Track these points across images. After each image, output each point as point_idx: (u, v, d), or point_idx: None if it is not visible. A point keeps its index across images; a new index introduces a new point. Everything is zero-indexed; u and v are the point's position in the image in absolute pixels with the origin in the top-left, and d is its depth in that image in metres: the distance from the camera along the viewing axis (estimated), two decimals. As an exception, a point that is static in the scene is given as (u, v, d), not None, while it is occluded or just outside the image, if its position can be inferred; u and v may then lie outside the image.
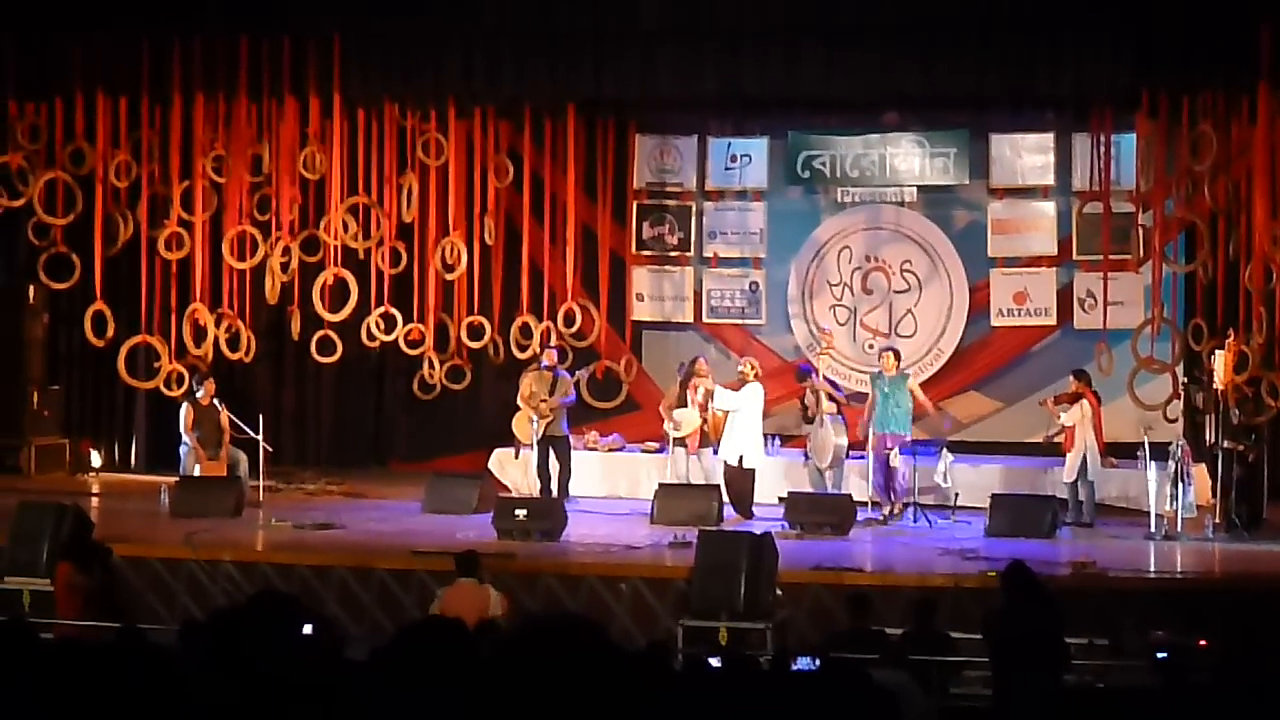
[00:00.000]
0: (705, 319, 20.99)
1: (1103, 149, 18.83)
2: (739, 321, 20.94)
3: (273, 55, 18.50)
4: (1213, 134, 17.43)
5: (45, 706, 6.29)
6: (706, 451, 17.87)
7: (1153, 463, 16.39)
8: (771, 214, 20.84)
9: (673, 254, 21.03)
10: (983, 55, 17.51)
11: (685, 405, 17.92)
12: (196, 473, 17.96)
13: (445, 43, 18.36)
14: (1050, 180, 19.91)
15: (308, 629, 7.37)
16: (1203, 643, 11.89)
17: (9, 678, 6.45)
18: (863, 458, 17.51)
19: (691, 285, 20.99)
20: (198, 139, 19.08)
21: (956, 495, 17.32)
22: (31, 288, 20.41)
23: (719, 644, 12.73)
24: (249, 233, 19.10)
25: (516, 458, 18.59)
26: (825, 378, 17.82)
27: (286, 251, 19.16)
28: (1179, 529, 16.14)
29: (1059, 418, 17.31)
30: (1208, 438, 16.99)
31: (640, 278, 21.05)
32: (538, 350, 19.16)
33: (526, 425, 18.03)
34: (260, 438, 17.71)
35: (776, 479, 18.08)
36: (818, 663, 10.39)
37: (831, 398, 17.63)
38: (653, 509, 17.06)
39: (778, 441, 19.07)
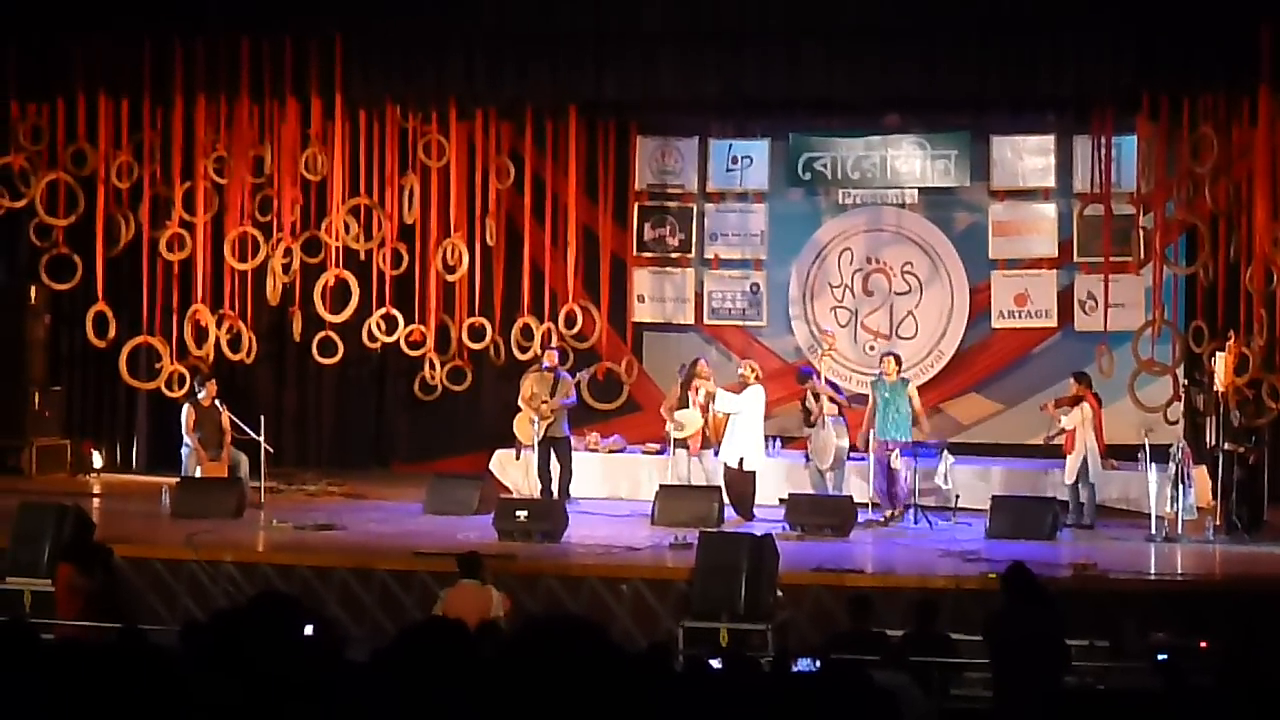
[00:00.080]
0: (706, 320, 20.98)
1: (1103, 151, 18.81)
2: (740, 323, 20.93)
3: (274, 56, 18.52)
4: (1213, 136, 17.43)
5: (46, 707, 6.29)
6: (708, 453, 17.85)
7: (1153, 465, 16.39)
8: (772, 216, 20.83)
9: (674, 255, 21.02)
10: (984, 57, 17.51)
11: (686, 406, 17.90)
12: (197, 474, 17.95)
13: (447, 44, 18.36)
14: (1051, 182, 19.90)
15: (309, 630, 7.36)
16: (1203, 644, 11.91)
17: (10, 678, 6.45)
18: (863, 459, 17.51)
19: (692, 287, 20.99)
20: (199, 140, 19.08)
21: (957, 497, 17.30)
22: (33, 288, 20.39)
23: (720, 645, 12.74)
24: (250, 234, 19.10)
25: (518, 459, 18.58)
26: (827, 380, 17.82)
27: (288, 253, 19.16)
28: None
29: (1060, 421, 17.30)
30: (1208, 440, 17.00)
31: (641, 279, 21.05)
32: (539, 351, 19.13)
33: (528, 426, 18.02)
34: (261, 439, 17.69)
35: (777, 480, 18.08)
36: (818, 664, 10.38)
37: (833, 400, 17.64)
38: (653, 510, 17.05)
39: (779, 443, 19.08)
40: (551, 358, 18.49)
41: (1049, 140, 19.87)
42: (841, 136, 20.33)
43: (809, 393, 17.67)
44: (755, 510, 17.39)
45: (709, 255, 20.92)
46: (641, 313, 21.04)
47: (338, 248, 19.18)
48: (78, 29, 18.56)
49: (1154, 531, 16.11)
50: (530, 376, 18.41)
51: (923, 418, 17.72)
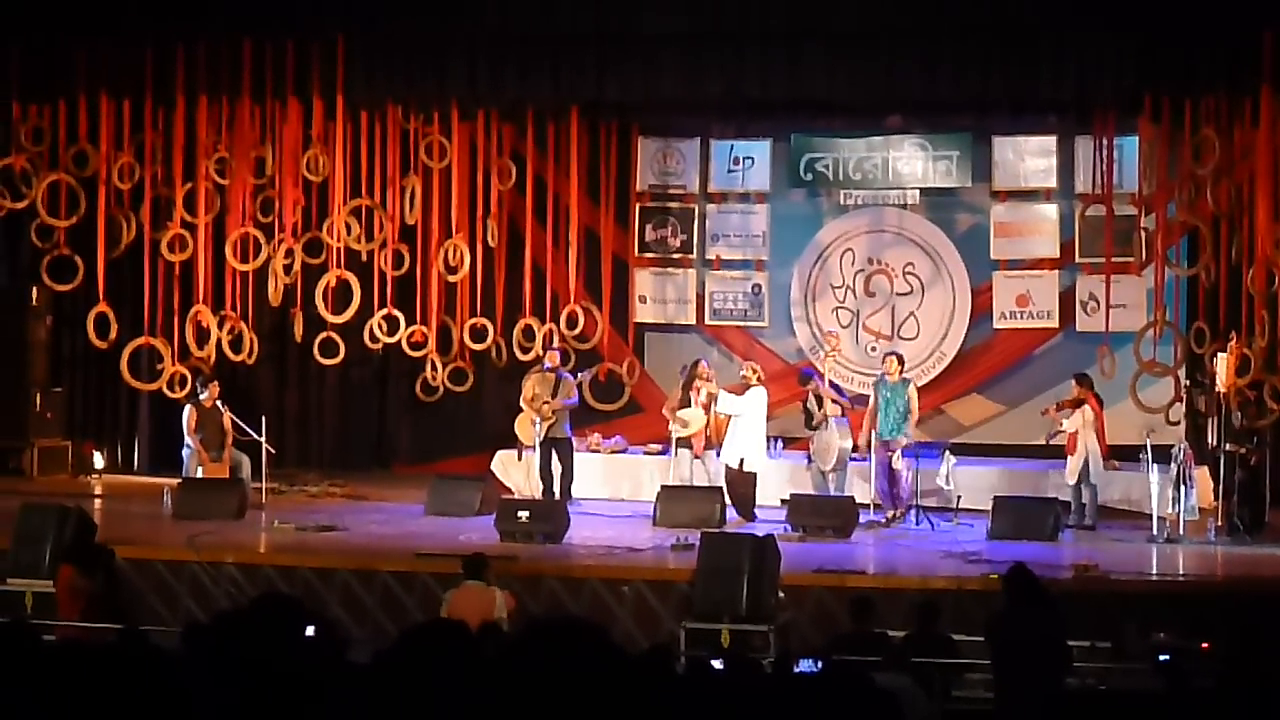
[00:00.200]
0: (708, 321, 20.99)
1: (1105, 152, 18.79)
2: (742, 324, 20.94)
3: (276, 58, 18.49)
4: (1215, 138, 17.41)
5: (47, 709, 6.29)
6: (710, 454, 17.81)
7: (1155, 466, 16.34)
8: (774, 216, 20.83)
9: (675, 256, 21.03)
10: (985, 59, 17.48)
11: (688, 407, 17.89)
12: (199, 475, 17.97)
13: (448, 45, 18.33)
14: (1053, 183, 19.89)
15: (310, 631, 7.36)
16: (1205, 646, 11.89)
17: (11, 680, 6.45)
18: (865, 461, 17.50)
19: (694, 288, 20.99)
20: (201, 141, 19.07)
21: (959, 498, 17.25)
22: (35, 290, 20.42)
23: (721, 646, 12.75)
24: (252, 235, 19.10)
25: (519, 460, 18.60)
26: (830, 382, 17.83)
27: (289, 254, 19.16)
28: (1181, 532, 16.11)
29: (1061, 424, 17.29)
30: (1210, 441, 16.97)
31: (643, 280, 21.06)
32: (540, 352, 19.13)
33: (529, 427, 18.03)
34: (263, 440, 17.73)
35: (779, 481, 18.09)
36: (820, 665, 10.37)
37: (836, 401, 17.64)
38: (655, 511, 17.05)
39: (780, 444, 19.08)
40: (553, 358, 18.49)
41: (1051, 141, 19.86)
42: (843, 137, 20.32)
43: (811, 394, 17.67)
44: (757, 511, 17.37)
45: (710, 256, 20.93)
46: (643, 314, 21.05)
47: (339, 249, 19.17)
48: (80, 30, 18.53)
49: (1156, 533, 16.10)
50: (532, 377, 18.40)
51: (913, 417, 17.65)
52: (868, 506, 17.18)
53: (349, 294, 19.13)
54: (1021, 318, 19.98)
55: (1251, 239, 17.31)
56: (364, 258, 19.52)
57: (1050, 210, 19.98)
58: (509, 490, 18.50)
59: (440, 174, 19.59)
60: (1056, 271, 19.91)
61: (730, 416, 17.60)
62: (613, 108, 19.69)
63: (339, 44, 18.34)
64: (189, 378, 18.88)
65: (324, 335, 19.34)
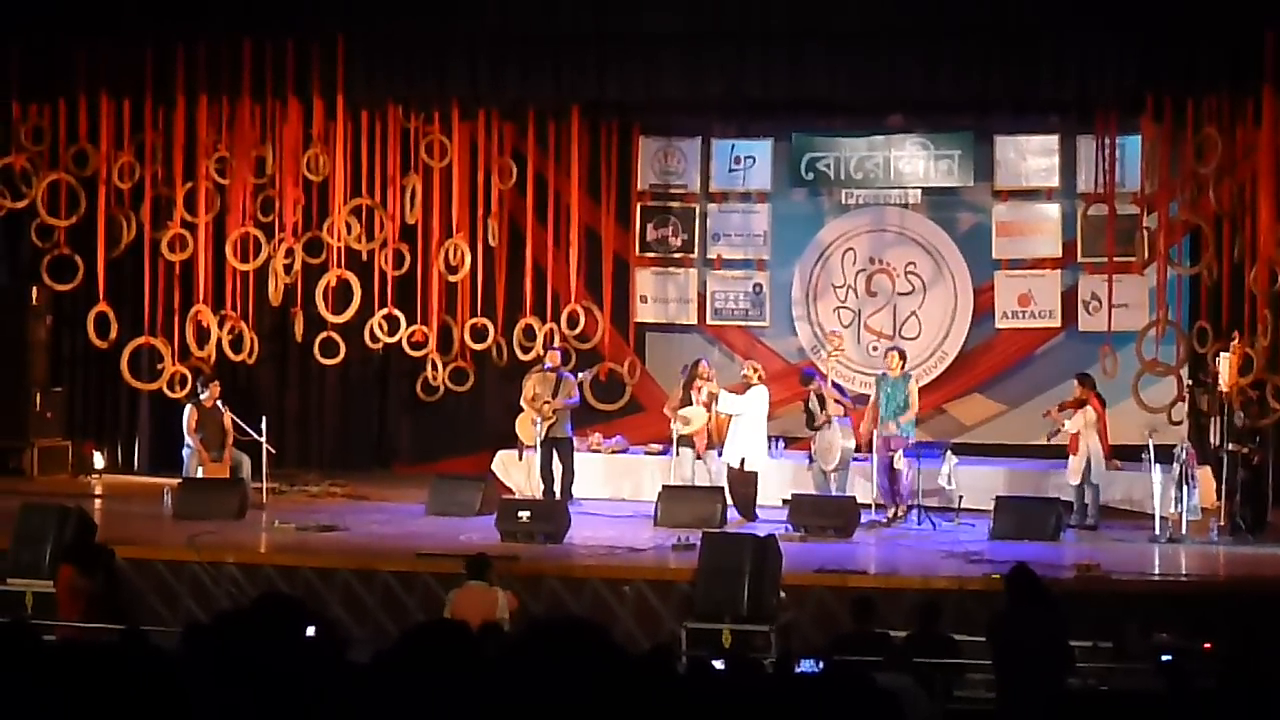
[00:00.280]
0: (709, 321, 20.97)
1: (1107, 151, 18.77)
2: (743, 324, 20.92)
3: (276, 57, 18.44)
4: (1217, 137, 17.36)
5: (47, 709, 6.28)
6: (712, 454, 17.79)
7: (1157, 465, 16.30)
8: (775, 216, 20.81)
9: (676, 256, 21.01)
10: (987, 58, 17.44)
11: (690, 405, 17.88)
12: (199, 475, 17.95)
13: (449, 45, 18.29)
14: (1055, 182, 19.85)
15: (311, 631, 7.34)
16: (1207, 646, 11.87)
17: (11, 679, 6.43)
18: (867, 460, 17.47)
19: (695, 287, 20.97)
20: (201, 141, 19.02)
21: (960, 498, 17.25)
22: (35, 289, 20.39)
23: (723, 646, 12.75)
24: (252, 234, 19.06)
25: (520, 460, 18.58)
26: (833, 383, 17.80)
27: (290, 253, 19.11)
28: (1183, 532, 16.08)
29: (1064, 425, 17.26)
30: (1212, 440, 17.02)
31: (644, 280, 21.03)
32: (541, 352, 19.11)
33: (529, 427, 18.02)
34: (263, 440, 17.71)
35: (781, 481, 18.07)
36: (821, 665, 10.38)
37: (838, 401, 17.64)
38: (656, 511, 17.04)
39: (782, 444, 19.06)
40: (554, 358, 18.47)
41: (1052, 140, 19.83)
42: (844, 136, 20.30)
43: (813, 394, 17.65)
44: (758, 511, 17.36)
45: (712, 256, 20.90)
46: (644, 313, 21.02)
47: (340, 248, 19.13)
48: (80, 30, 18.49)
49: (1158, 532, 16.10)
50: (533, 377, 18.39)
51: (912, 410, 17.59)
52: (869, 506, 17.16)
53: (349, 294, 19.09)
54: (1023, 317, 19.95)
55: (1254, 238, 17.25)
56: (364, 257, 19.48)
57: (1052, 209, 19.95)
58: (510, 490, 18.49)
59: (441, 173, 19.56)
60: (1058, 271, 19.87)
61: (731, 416, 17.57)
62: (614, 107, 19.67)
63: (339, 43, 18.29)
64: (189, 377, 18.85)
65: (324, 335, 19.30)
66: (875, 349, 20.04)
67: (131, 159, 19.16)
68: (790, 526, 16.33)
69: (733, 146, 20.77)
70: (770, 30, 17.65)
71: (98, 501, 18.50)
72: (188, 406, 18.32)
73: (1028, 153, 19.92)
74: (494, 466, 19.08)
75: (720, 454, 17.69)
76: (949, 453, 17.53)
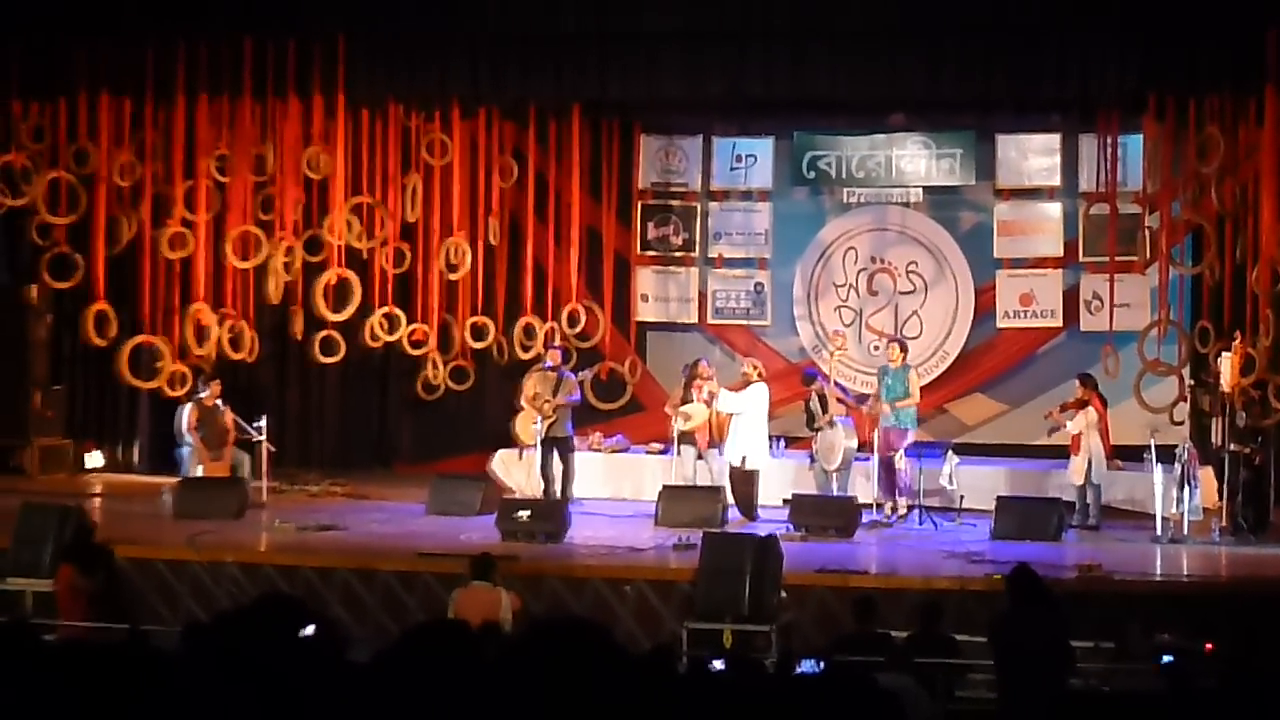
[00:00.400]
0: (710, 320, 20.97)
1: (1109, 150, 18.76)
2: (744, 323, 20.93)
3: (277, 56, 18.41)
4: (1220, 136, 17.33)
5: (47, 709, 6.25)
6: (713, 453, 17.76)
7: (1159, 466, 16.24)
8: (777, 215, 20.80)
9: (677, 255, 21.01)
10: (989, 57, 17.42)
11: (690, 403, 17.85)
12: (199, 474, 17.92)
13: (450, 43, 18.28)
14: (1056, 181, 19.85)
15: (310, 630, 7.32)
16: (1209, 647, 11.83)
17: (11, 679, 6.41)
18: (869, 460, 17.41)
19: (696, 286, 20.97)
20: (201, 139, 18.98)
21: (961, 498, 17.21)
22: (34, 288, 20.34)
23: (723, 647, 12.71)
24: (252, 232, 19.00)
25: (520, 459, 18.54)
26: (836, 383, 17.77)
27: (290, 251, 19.08)
28: (1185, 532, 16.05)
29: (1065, 426, 17.23)
30: (1214, 441, 17.06)
31: (645, 278, 21.02)
32: (541, 351, 19.10)
33: (529, 426, 17.98)
34: (263, 439, 17.67)
35: (782, 481, 18.03)
36: (822, 666, 10.33)
37: (841, 400, 17.61)
38: (657, 511, 17.01)
39: (783, 443, 19.02)
40: (554, 357, 18.42)
41: (1054, 139, 19.82)
42: (846, 135, 20.29)
43: (814, 395, 17.62)
44: (759, 511, 17.32)
45: (713, 254, 20.91)
46: (645, 312, 21.02)
47: (340, 246, 19.09)
48: (80, 28, 18.47)
49: (1159, 533, 16.05)
50: (533, 376, 18.35)
51: (912, 399, 17.54)
52: (870, 506, 17.13)
53: (349, 292, 19.06)
54: (1025, 317, 19.95)
55: (1256, 237, 17.22)
56: (364, 256, 19.46)
57: (1054, 209, 19.94)
58: (510, 490, 18.45)
59: (441, 171, 19.56)
60: (1060, 270, 19.88)
61: (732, 414, 17.54)
62: (615, 105, 19.64)
63: (340, 42, 18.26)
64: (189, 376, 18.80)
65: (324, 333, 19.26)
66: (877, 348, 19.99)
67: (131, 157, 19.12)
68: (791, 526, 16.29)
69: (734, 145, 20.77)
70: (772, 29, 17.64)
71: (97, 500, 18.46)
72: (186, 405, 18.27)
73: (1029, 152, 19.91)
74: (494, 466, 19.06)
75: (721, 453, 17.65)
76: (950, 453, 17.50)
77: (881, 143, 20.24)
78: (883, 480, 17.27)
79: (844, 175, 20.32)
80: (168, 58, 18.48)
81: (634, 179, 20.88)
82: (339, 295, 19.13)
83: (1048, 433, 17.76)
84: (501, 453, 19.06)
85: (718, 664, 8.88)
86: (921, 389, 18.17)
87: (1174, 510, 16.12)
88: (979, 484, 17.63)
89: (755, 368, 17.83)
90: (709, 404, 17.72)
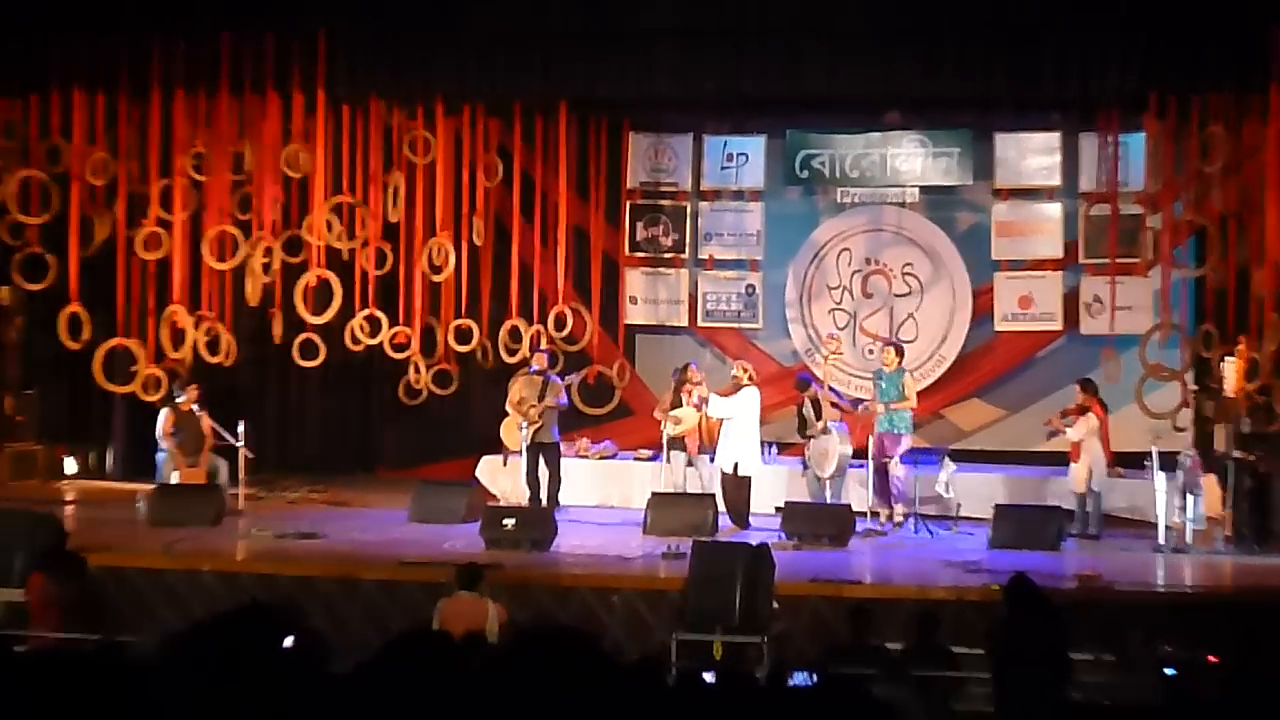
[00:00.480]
0: (701, 323, 20.95)
1: (1110, 150, 18.69)
2: (735, 325, 20.92)
3: (256, 51, 18.15)
4: (1223, 135, 17.23)
5: (20, 720, 6.03)
6: (703, 459, 17.68)
7: (1161, 473, 16.17)
8: (769, 215, 20.76)
9: (667, 256, 20.98)
10: (987, 55, 17.25)
11: (680, 407, 17.66)
12: (175, 480, 17.80)
13: (434, 39, 18.04)
14: (1056, 181, 19.79)
15: (289, 641, 7.12)
16: (1212, 659, 11.66)
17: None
18: (863, 467, 17.36)
19: (687, 288, 20.93)
20: (177, 136, 18.73)
21: (959, 505, 17.14)
22: (6, 289, 20.24)
23: (714, 658, 12.56)
24: (230, 233, 18.74)
25: (505, 465, 18.43)
26: (830, 387, 17.60)
27: (268, 252, 18.84)
28: (1188, 541, 15.98)
29: (1065, 433, 17.19)
30: (1218, 447, 16.94)
31: (634, 280, 20.98)
32: (527, 354, 18.99)
33: (515, 432, 17.91)
34: (241, 444, 17.49)
35: (774, 488, 17.93)
36: (816, 678, 10.23)
37: (835, 405, 17.49)
38: (646, 518, 16.86)
39: (775, 449, 18.97)
40: (541, 361, 18.31)
41: (1054, 138, 19.77)
42: (840, 134, 20.23)
43: (808, 400, 17.47)
44: (751, 518, 17.20)
45: (703, 256, 20.90)
46: (634, 315, 20.99)
47: (320, 247, 18.82)
48: (53, 23, 18.23)
49: (1161, 542, 15.96)
50: (519, 380, 18.27)
51: (907, 402, 17.50)
52: (865, 514, 17.06)
53: (330, 294, 18.81)
54: (1024, 320, 19.91)
55: (1261, 239, 17.14)
56: (345, 256, 19.24)
57: (1053, 209, 19.86)
58: (495, 497, 18.35)
59: (424, 170, 19.36)
60: (1060, 272, 19.82)
61: (723, 420, 17.34)
62: (603, 103, 19.52)
63: (320, 38, 18.00)
64: (164, 380, 18.57)
65: (304, 336, 19.02)
66: (871, 352, 19.92)
67: (105, 155, 18.82)
68: (784, 534, 16.20)
69: (725, 143, 20.71)
70: (765, 26, 17.44)
71: (70, 508, 18.33)
72: (163, 410, 18.14)
73: (1028, 151, 19.87)
74: (479, 472, 18.95)
75: (712, 459, 17.48)
76: (947, 459, 17.43)
77: (876, 141, 20.18)
78: (878, 487, 17.23)
79: (838, 175, 20.22)
80: (143, 53, 18.21)
81: (623, 178, 20.85)
82: (319, 297, 18.88)
83: (1046, 435, 17.60)
84: (486, 459, 18.94)
85: (708, 676, 8.72)
86: (918, 394, 18.11)
87: (1176, 519, 16.06)
88: (976, 491, 17.50)
89: (746, 371, 17.72)
90: (698, 409, 17.51)
